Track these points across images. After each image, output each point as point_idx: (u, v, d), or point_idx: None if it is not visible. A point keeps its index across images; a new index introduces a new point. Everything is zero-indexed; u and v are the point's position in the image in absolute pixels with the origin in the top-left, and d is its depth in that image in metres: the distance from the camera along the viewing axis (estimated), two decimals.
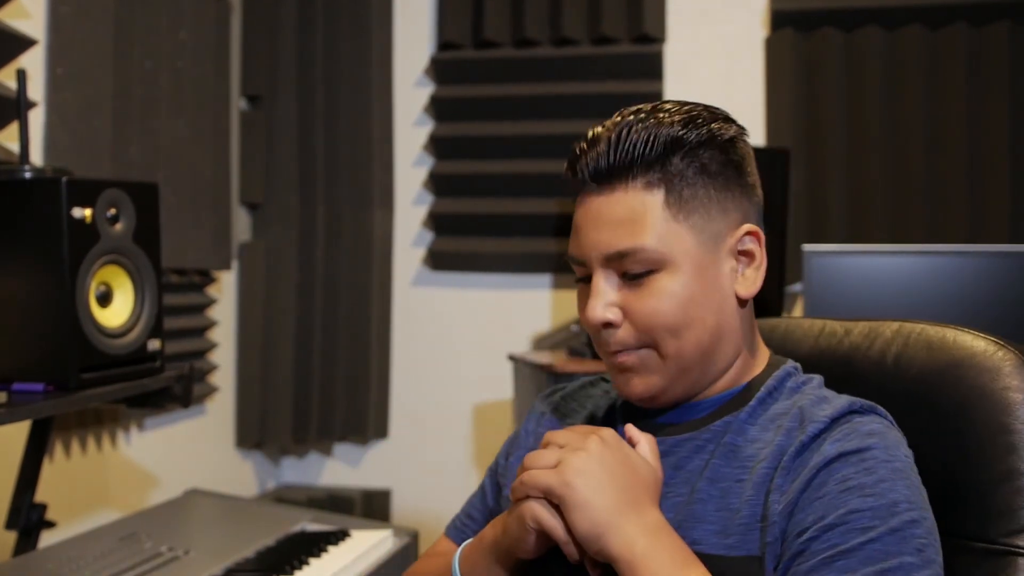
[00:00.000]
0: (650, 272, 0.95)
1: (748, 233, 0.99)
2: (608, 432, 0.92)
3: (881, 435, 0.90)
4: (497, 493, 1.14)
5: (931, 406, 0.99)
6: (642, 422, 1.01)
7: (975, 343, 0.99)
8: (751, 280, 0.99)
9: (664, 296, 0.94)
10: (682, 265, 0.95)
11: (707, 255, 0.96)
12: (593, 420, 1.09)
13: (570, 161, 0.99)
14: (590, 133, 0.99)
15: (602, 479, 0.88)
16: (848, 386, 1.01)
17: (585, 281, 1.00)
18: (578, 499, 0.87)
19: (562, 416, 1.12)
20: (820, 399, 0.96)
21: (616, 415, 1.08)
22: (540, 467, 0.91)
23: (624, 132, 0.95)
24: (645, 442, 0.95)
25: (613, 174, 0.95)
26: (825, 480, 0.87)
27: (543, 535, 0.91)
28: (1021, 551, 0.91)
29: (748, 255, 0.99)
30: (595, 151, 0.96)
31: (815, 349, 1.14)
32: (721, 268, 0.97)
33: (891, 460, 0.88)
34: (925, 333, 1.04)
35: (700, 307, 0.95)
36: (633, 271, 0.95)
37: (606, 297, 0.96)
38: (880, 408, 0.96)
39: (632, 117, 0.97)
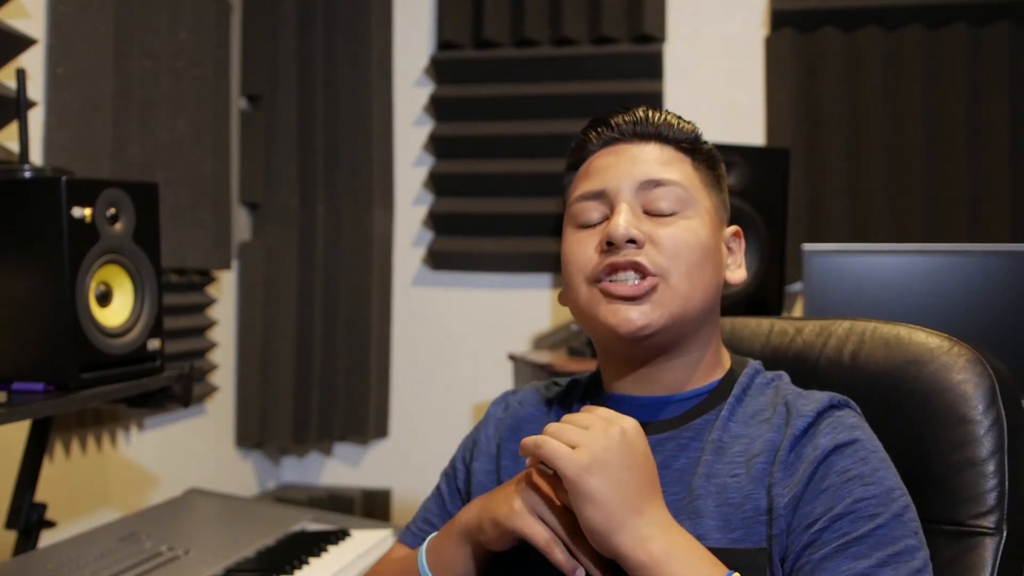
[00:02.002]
0: (675, 214, 0.99)
1: (734, 233, 1.07)
2: (630, 423, 0.91)
3: (861, 427, 0.95)
4: (457, 499, 1.14)
5: (893, 399, 1.05)
6: None
7: (930, 340, 1.06)
8: (736, 272, 1.06)
9: (690, 233, 0.98)
10: (704, 217, 1.00)
11: (718, 223, 1.03)
12: (558, 419, 1.09)
13: (596, 122, 1.05)
14: (606, 116, 1.05)
15: (621, 474, 0.87)
16: (808, 382, 1.05)
17: (589, 226, 1.01)
18: (592, 491, 0.86)
19: (521, 421, 1.12)
20: (798, 394, 1.00)
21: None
22: (561, 441, 0.88)
23: (656, 110, 1.04)
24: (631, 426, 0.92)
25: (651, 133, 1.02)
26: (826, 473, 0.90)
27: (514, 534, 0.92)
28: (988, 531, 0.97)
29: (732, 253, 1.06)
30: (634, 114, 1.03)
31: (767, 347, 1.18)
32: (721, 247, 1.04)
33: (877, 450, 0.93)
34: (879, 331, 1.10)
35: (712, 262, 1.00)
36: (661, 207, 0.99)
37: (634, 218, 0.98)
38: (852, 402, 1.00)
39: (650, 110, 1.05)
